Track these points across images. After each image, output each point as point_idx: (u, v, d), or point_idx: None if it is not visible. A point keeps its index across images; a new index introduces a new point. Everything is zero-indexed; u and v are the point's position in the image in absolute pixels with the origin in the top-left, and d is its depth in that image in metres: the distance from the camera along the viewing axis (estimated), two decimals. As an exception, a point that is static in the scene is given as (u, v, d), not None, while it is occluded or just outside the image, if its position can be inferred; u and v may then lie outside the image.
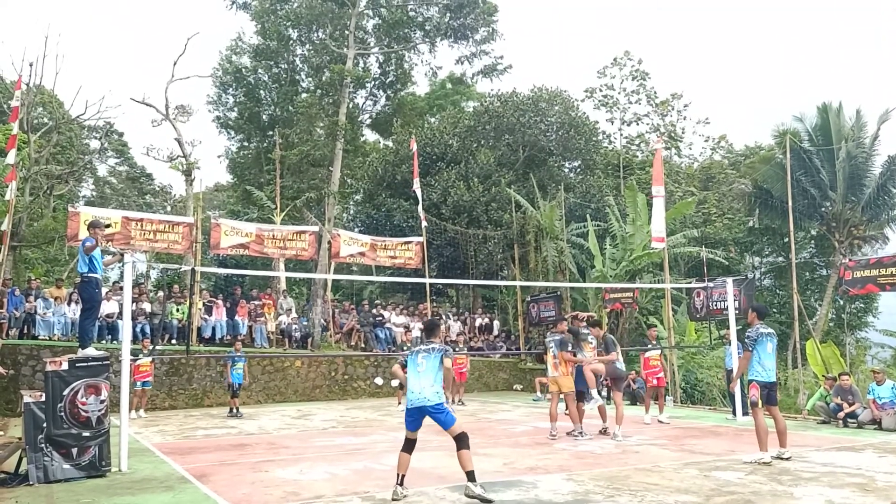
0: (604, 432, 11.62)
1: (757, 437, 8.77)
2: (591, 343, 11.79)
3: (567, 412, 11.61)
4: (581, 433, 11.17)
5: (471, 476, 6.65)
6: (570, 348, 11.38)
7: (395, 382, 17.74)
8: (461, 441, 6.73)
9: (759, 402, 8.78)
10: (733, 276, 17.41)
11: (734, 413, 13.74)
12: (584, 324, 12.21)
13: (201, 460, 9.55)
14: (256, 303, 21.03)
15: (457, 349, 18.87)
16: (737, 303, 15.20)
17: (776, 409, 9.02)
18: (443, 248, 26.34)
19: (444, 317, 24.42)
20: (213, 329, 19.39)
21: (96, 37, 75.67)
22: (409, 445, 6.99)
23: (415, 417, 7.00)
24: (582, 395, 11.60)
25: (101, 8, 78.12)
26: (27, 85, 21.62)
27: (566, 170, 31.40)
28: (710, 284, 16.87)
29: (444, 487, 7.45)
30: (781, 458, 8.75)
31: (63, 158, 29.15)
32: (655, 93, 36.01)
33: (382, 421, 14.56)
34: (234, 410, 15.43)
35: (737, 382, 8.81)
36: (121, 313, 14.34)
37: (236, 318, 19.86)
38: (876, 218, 27.55)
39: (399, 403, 16.87)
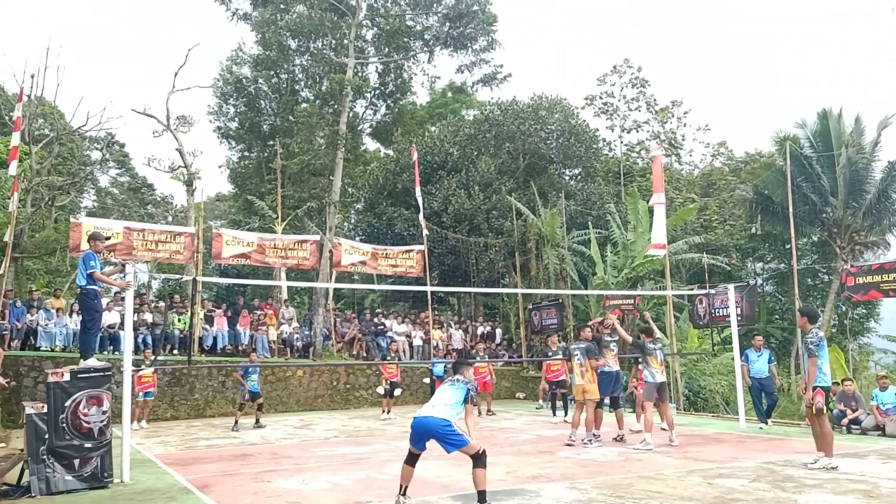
0: (620, 440, 11.64)
1: (824, 444, 8.75)
2: (613, 350, 11.94)
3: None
4: (592, 439, 11.19)
5: (482, 497, 6.52)
6: (596, 356, 11.56)
7: (380, 389, 17.72)
8: (477, 460, 6.54)
9: (825, 409, 8.74)
10: (735, 282, 17.40)
11: (765, 422, 13.57)
12: (609, 330, 12.28)
13: (203, 471, 9.54)
14: (259, 312, 21.02)
15: (478, 357, 18.78)
16: (739, 309, 15.18)
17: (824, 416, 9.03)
18: (444, 256, 26.33)
19: (445, 325, 24.40)
20: (215, 339, 19.39)
21: (97, 48, 75.98)
22: (412, 458, 6.85)
23: (419, 433, 6.72)
24: (600, 402, 11.74)
25: (102, 19, 78.52)
26: (28, 97, 21.70)
27: (567, 177, 31.44)
28: (712, 291, 16.87)
29: (448, 497, 7.43)
30: (817, 462, 8.72)
31: (64, 170, 29.23)
32: (655, 100, 36.06)
33: (384, 430, 14.53)
34: (253, 426, 15.25)
35: (810, 391, 8.72)
36: (122, 324, 14.35)
37: (238, 327, 19.85)
38: (877, 223, 27.51)
39: (385, 412, 16.78)
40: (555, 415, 16.22)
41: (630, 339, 12.24)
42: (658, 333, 12.21)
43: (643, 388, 11.70)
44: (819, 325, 9.16)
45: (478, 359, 18.47)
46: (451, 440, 6.54)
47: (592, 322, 13.53)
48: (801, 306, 11.07)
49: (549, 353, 16.85)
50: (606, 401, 12.02)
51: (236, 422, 15.05)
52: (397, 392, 17.42)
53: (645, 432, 10.97)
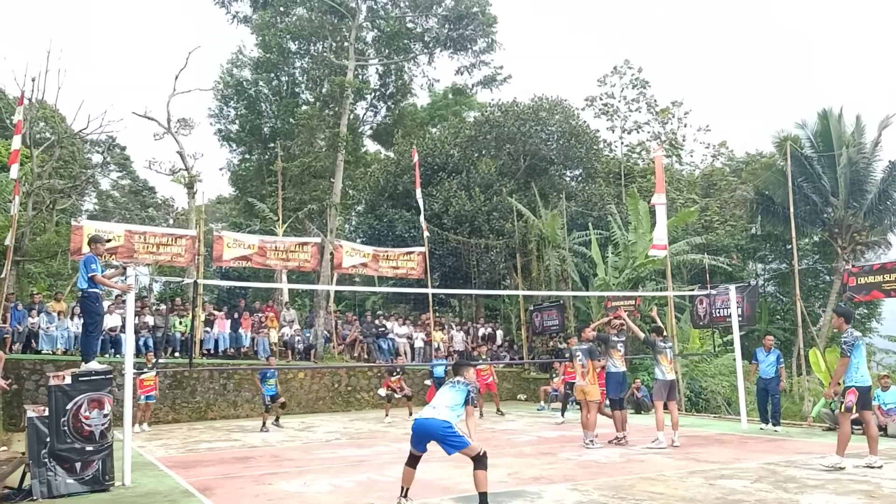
0: (616, 442, 11.61)
1: (838, 442, 8.72)
2: (620, 351, 11.92)
3: (585, 418, 11.56)
4: (592, 441, 11.17)
5: (483, 499, 6.52)
6: (598, 356, 11.59)
7: (381, 392, 17.73)
8: (478, 462, 6.53)
9: (854, 409, 8.69)
10: (736, 283, 17.39)
11: (766, 422, 13.50)
12: (615, 331, 12.30)
13: (205, 474, 9.54)
14: (260, 315, 21.02)
15: (480, 359, 18.69)
16: (740, 310, 15.14)
17: (870, 414, 8.94)
18: (445, 257, 26.33)
19: (447, 326, 24.39)
20: (217, 342, 19.39)
21: (98, 51, 76.07)
22: (413, 460, 6.86)
23: (420, 435, 6.72)
24: (614, 402, 11.81)
25: (102, 22, 78.64)
26: (29, 100, 21.70)
27: (567, 178, 31.44)
28: (713, 292, 16.85)
29: (449, 499, 7.43)
30: (873, 467, 8.61)
31: (66, 173, 29.22)
32: (656, 101, 36.11)
33: (386, 432, 14.53)
34: (270, 423, 15.37)
35: (835, 388, 8.78)
36: (123, 327, 14.35)
37: (240, 330, 19.85)
38: (878, 223, 27.48)
39: (387, 415, 16.81)
40: (562, 416, 16.16)
41: (642, 334, 12.23)
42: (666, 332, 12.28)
43: (654, 386, 11.78)
44: (851, 327, 9.05)
45: (480, 361, 18.43)
46: (451, 442, 6.54)
47: (598, 322, 13.49)
48: (839, 307, 10.99)
49: (567, 355, 16.83)
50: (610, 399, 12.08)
51: (264, 423, 15.10)
52: (397, 395, 17.40)
53: (658, 431, 10.99)
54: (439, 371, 18.50)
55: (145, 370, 15.33)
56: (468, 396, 6.89)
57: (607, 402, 12.25)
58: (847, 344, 8.72)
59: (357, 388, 20.60)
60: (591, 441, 11.18)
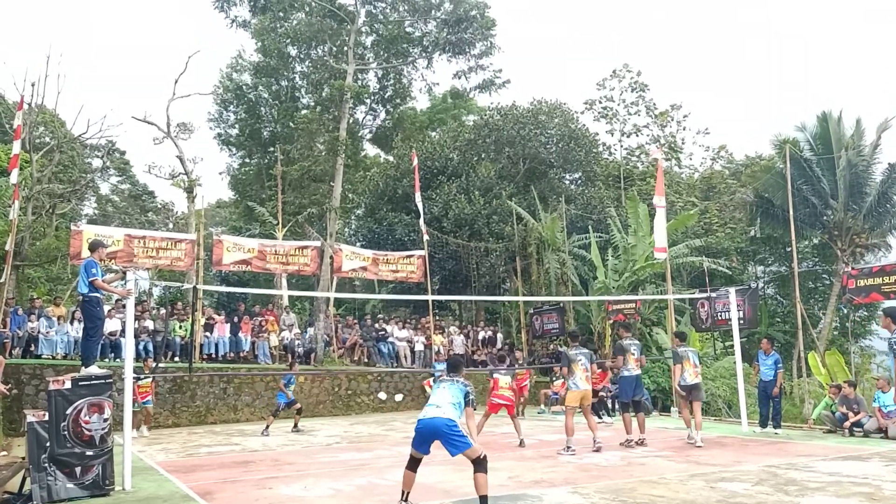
0: (626, 444, 11.61)
1: None
2: (635, 354, 12.02)
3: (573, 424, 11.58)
4: (595, 446, 11.18)
5: (484, 502, 6.52)
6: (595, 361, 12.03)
7: (382, 395, 17.70)
8: (479, 465, 6.52)
9: None
10: (736, 285, 17.39)
11: (763, 425, 13.42)
12: (629, 334, 12.37)
13: (205, 478, 9.52)
14: (260, 319, 21.01)
15: (517, 365, 18.58)
16: (741, 313, 15.16)
17: None
18: (445, 261, 26.34)
19: (447, 330, 24.37)
20: (216, 346, 19.37)
21: (98, 56, 76.19)
22: (413, 463, 6.85)
23: (424, 436, 6.71)
24: (625, 405, 11.99)
25: (102, 27, 78.77)
26: (29, 105, 21.73)
27: (567, 182, 31.48)
28: (714, 295, 16.86)
29: (450, 502, 7.43)
30: None
31: (65, 177, 29.25)
32: (655, 104, 36.10)
33: (386, 436, 14.51)
34: (290, 429, 15.49)
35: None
36: (123, 331, 14.32)
37: (240, 334, 19.84)
38: (878, 226, 27.53)
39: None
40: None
41: (682, 391, 12.09)
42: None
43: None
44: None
45: (517, 365, 18.37)
46: (455, 441, 6.55)
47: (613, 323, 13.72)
48: (887, 307, 10.82)
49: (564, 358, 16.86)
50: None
51: (267, 427, 15.09)
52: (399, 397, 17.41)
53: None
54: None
55: (142, 377, 15.28)
56: (467, 397, 6.91)
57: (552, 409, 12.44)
58: None
59: (357, 391, 20.56)
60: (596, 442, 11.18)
